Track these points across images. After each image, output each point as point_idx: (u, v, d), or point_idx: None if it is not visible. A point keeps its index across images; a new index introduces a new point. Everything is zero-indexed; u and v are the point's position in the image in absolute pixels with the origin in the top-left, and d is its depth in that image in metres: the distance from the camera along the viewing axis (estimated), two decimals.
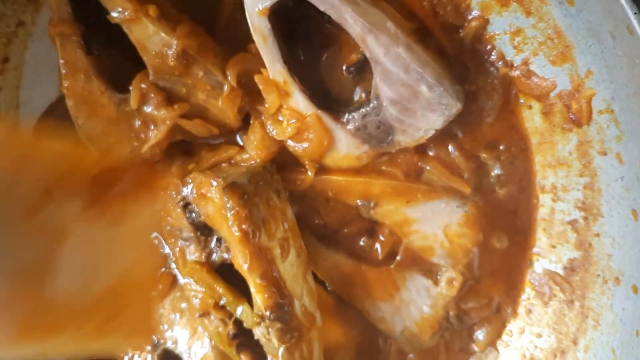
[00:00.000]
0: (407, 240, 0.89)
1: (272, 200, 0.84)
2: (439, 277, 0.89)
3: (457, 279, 0.87)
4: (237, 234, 0.79)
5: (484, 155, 0.88)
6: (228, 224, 0.79)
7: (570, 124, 0.81)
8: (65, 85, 0.85)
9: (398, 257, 0.90)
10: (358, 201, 0.89)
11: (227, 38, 0.87)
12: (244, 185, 0.81)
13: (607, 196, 0.80)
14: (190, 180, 0.84)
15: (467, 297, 0.89)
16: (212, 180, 0.81)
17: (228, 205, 0.79)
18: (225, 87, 0.84)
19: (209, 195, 0.81)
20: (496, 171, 0.89)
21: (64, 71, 0.85)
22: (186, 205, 0.85)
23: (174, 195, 0.86)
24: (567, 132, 0.82)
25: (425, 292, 0.89)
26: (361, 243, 0.92)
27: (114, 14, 0.81)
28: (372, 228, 0.91)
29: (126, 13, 0.80)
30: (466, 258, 0.88)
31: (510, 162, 0.88)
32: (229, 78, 0.84)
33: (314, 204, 0.90)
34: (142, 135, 0.87)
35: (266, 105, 0.85)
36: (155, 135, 0.86)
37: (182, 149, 0.91)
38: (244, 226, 0.79)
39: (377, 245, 0.91)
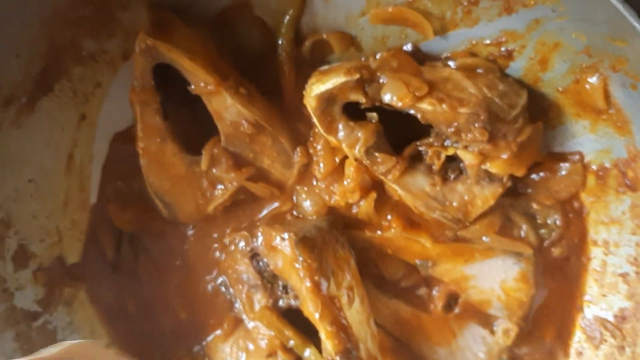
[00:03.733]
0: (465, 295, 0.92)
1: (338, 252, 0.88)
2: (494, 327, 0.91)
3: (512, 330, 0.89)
4: (308, 284, 0.82)
5: (541, 218, 0.90)
6: (299, 274, 0.83)
7: (625, 187, 0.82)
8: (141, 146, 0.90)
9: (456, 310, 0.92)
10: (417, 261, 0.91)
11: (295, 104, 0.91)
12: (314, 239, 0.85)
13: None
14: (259, 233, 0.88)
15: (520, 342, 0.91)
16: (283, 234, 0.84)
17: (300, 258, 0.83)
18: (295, 156, 0.91)
19: (278, 248, 0.85)
20: (552, 233, 0.90)
21: (141, 134, 0.89)
22: (254, 256, 0.90)
23: (244, 247, 0.91)
24: (621, 195, 0.83)
25: (482, 340, 0.92)
26: (419, 292, 0.94)
27: (195, 86, 0.85)
28: (429, 278, 0.94)
29: (209, 87, 0.84)
30: (521, 310, 0.90)
31: (567, 226, 0.89)
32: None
33: (373, 257, 0.93)
34: (208, 194, 0.93)
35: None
36: (221, 194, 0.92)
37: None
38: (315, 277, 0.82)
39: (435, 295, 0.93)
